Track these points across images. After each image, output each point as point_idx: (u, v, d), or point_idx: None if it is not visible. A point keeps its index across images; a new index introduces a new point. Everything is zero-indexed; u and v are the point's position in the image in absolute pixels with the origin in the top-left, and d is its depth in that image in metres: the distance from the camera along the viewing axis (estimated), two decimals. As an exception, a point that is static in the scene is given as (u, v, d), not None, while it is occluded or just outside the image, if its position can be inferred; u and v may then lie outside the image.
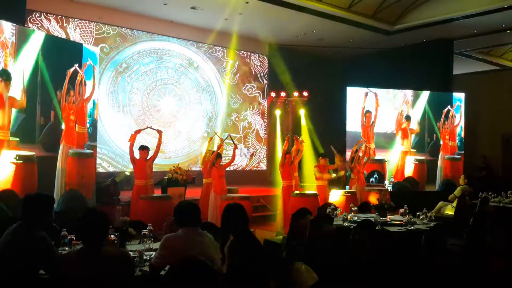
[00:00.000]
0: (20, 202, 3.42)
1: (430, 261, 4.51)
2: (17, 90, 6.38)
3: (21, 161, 6.28)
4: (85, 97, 7.58)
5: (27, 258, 3.00)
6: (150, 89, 12.12)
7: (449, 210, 8.13)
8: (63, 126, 7.13)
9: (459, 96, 12.19)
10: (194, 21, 11.95)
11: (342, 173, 9.68)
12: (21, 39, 6.54)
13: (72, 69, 7.21)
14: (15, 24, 6.49)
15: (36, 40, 6.78)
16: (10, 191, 6.07)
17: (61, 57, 7.25)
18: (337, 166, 9.70)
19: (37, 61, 6.73)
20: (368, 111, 11.08)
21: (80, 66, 7.40)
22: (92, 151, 7.71)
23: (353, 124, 11.15)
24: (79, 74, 7.35)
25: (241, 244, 3.42)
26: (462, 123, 12.14)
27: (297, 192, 8.44)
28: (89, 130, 7.71)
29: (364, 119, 11.07)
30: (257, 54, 14.12)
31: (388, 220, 5.95)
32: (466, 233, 5.53)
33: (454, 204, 8.13)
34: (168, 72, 12.47)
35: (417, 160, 11.49)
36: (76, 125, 7.37)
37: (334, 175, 9.38)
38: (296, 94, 13.41)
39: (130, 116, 11.64)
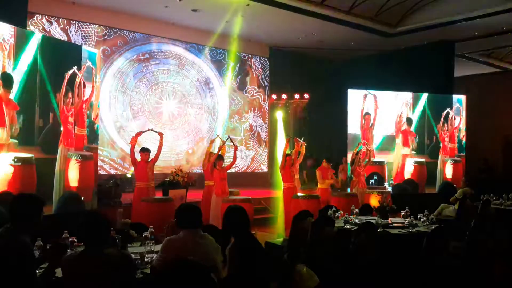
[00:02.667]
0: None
1: (432, 263, 4.49)
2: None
3: (20, 163, 6.22)
4: (84, 99, 7.54)
5: (7, 264, 2.86)
6: (160, 87, 12.16)
7: (451, 213, 8.10)
8: (61, 128, 7.10)
9: (460, 98, 12.18)
10: (195, 24, 11.95)
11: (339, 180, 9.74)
12: (20, 41, 6.48)
13: (70, 71, 7.17)
14: (13, 26, 6.46)
15: (34, 42, 6.73)
16: (8, 194, 6.04)
17: (60, 58, 7.18)
18: (339, 179, 9.71)
19: (35, 63, 6.69)
20: (367, 113, 11.06)
21: (79, 68, 7.36)
22: (91, 153, 7.64)
23: (354, 126, 11.13)
24: (77, 76, 7.32)
25: (242, 246, 3.40)
26: (462, 125, 12.11)
27: (298, 194, 8.42)
28: (87, 132, 7.66)
29: (363, 121, 11.05)
30: (258, 57, 14.12)
31: (390, 222, 5.94)
32: (467, 235, 5.51)
33: (456, 206, 8.11)
34: (184, 80, 12.55)
35: (416, 162, 11.45)
36: (75, 127, 7.33)
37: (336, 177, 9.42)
38: (297, 96, 13.42)
39: (128, 100, 11.64)
